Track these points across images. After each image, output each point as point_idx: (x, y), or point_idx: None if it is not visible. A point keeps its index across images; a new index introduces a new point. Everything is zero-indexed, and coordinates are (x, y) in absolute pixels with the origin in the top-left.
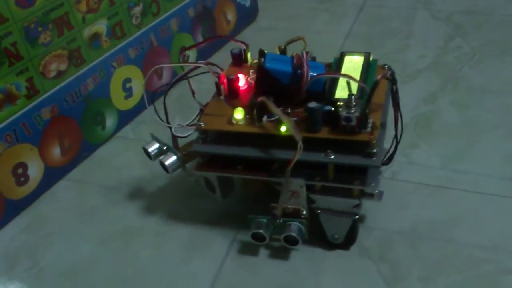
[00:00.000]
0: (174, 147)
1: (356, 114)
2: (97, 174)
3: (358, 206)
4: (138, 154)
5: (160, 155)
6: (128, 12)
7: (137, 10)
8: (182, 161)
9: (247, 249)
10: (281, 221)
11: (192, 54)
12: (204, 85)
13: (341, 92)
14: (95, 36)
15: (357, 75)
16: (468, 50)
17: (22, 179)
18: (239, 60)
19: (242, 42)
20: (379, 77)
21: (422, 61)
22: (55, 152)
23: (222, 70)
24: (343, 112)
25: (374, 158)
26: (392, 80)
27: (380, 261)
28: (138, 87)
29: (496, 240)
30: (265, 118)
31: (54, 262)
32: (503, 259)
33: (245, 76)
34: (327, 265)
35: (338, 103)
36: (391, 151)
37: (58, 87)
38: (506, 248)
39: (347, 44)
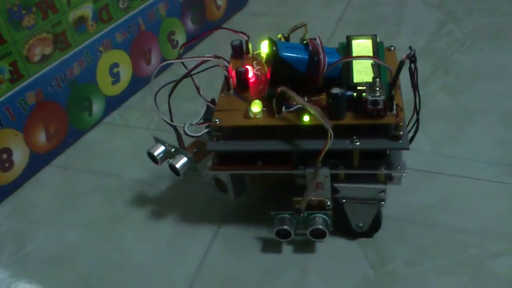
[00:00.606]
0: (181, 147)
1: (383, 97)
2: (83, 160)
3: (383, 191)
4: (125, 139)
5: (167, 158)
6: None
7: None
8: (193, 162)
9: (234, 235)
10: (305, 214)
11: (181, 41)
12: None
13: (358, 76)
14: (81, 20)
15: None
16: (460, 36)
17: (6, 164)
18: (240, 52)
19: (243, 33)
20: (403, 57)
21: (413, 47)
22: (41, 137)
23: (229, 63)
24: (369, 96)
25: (400, 141)
26: (413, 60)
27: (367, 245)
28: (125, 72)
29: (483, 225)
30: (283, 109)
31: (39, 248)
32: (489, 243)
33: (252, 67)
34: (314, 250)
35: (359, 88)
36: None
37: (42, 71)
38: (492, 233)
39: (338, 30)
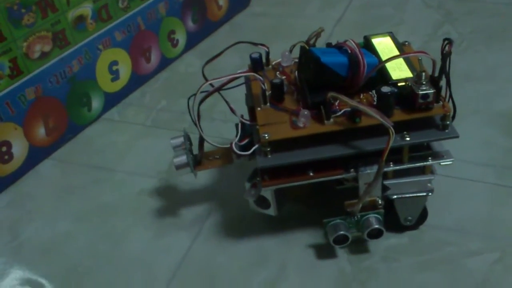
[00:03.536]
0: (200, 153)
1: (432, 90)
2: (81, 154)
3: (430, 182)
4: (122, 135)
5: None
6: None
7: None
8: (192, 165)
9: (219, 228)
10: (358, 217)
11: (181, 40)
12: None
13: (394, 73)
14: (80, 19)
15: (396, 53)
16: (456, 37)
17: (6, 157)
18: (260, 65)
19: (263, 45)
20: (447, 48)
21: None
22: (40, 131)
23: (261, 76)
24: (418, 90)
25: (448, 130)
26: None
27: None
28: (125, 70)
29: (462, 224)
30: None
31: (33, 237)
32: (467, 242)
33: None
34: (293, 243)
35: (399, 84)
36: None
37: (42, 68)
38: (471, 232)
39: (336, 30)
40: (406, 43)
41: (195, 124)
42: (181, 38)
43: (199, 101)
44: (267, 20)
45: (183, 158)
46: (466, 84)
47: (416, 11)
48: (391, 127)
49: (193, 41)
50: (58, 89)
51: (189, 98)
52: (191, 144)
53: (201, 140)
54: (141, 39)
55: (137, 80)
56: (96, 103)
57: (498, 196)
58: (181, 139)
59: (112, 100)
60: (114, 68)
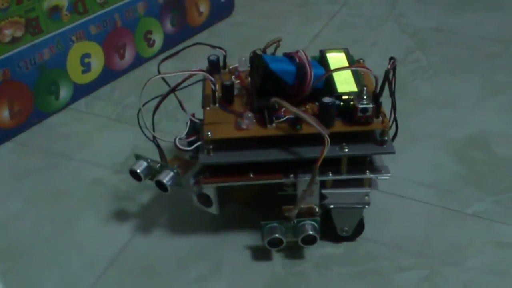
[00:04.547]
0: (163, 162)
1: (371, 104)
2: (42, 140)
3: (368, 195)
4: (86, 126)
5: (149, 174)
6: None
7: None
8: (179, 177)
9: (162, 223)
10: (295, 222)
11: (158, 41)
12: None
13: (341, 86)
14: (55, 9)
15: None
16: (425, 64)
17: None
18: (217, 67)
19: (221, 48)
20: (389, 66)
21: (376, 69)
22: (4, 114)
23: (213, 77)
24: (358, 104)
25: (385, 146)
26: (393, 69)
27: None
28: (97, 64)
29: (398, 241)
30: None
31: None
32: (399, 258)
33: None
34: (232, 243)
35: (343, 97)
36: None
37: (11, 52)
38: (404, 248)
39: (310, 47)
40: (361, 60)
41: (152, 138)
42: (158, 39)
43: (153, 108)
44: (247, 30)
45: (171, 175)
46: (427, 109)
47: (391, 35)
48: (327, 136)
49: (170, 43)
50: (27, 75)
51: (142, 101)
52: (153, 162)
53: (161, 152)
54: (116, 36)
55: (109, 75)
56: (64, 93)
57: (437, 217)
58: (144, 163)
59: (81, 91)
60: (86, 60)
